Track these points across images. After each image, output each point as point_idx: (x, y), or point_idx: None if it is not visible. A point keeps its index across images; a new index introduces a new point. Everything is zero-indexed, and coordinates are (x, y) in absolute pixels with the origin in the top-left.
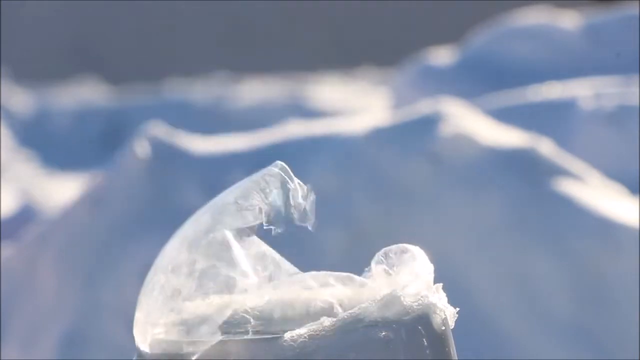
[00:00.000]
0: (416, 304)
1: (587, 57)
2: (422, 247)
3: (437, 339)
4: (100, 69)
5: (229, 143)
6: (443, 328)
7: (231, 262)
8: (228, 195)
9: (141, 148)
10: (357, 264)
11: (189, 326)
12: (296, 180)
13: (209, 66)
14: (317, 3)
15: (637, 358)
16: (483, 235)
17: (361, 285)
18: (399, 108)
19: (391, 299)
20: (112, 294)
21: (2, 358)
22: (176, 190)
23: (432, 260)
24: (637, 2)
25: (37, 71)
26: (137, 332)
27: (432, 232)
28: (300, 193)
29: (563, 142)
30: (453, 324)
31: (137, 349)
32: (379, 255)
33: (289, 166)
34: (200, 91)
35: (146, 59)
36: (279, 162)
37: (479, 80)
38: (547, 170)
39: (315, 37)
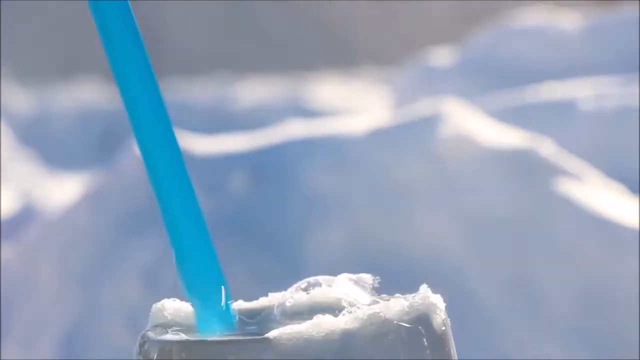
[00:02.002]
0: (416, 304)
1: (587, 57)
2: (421, 247)
3: (437, 339)
4: (100, 69)
5: (229, 143)
6: (443, 328)
7: None
8: None
9: None
10: (356, 264)
11: (185, 326)
12: None
13: (209, 66)
14: (317, 3)
15: (637, 358)
16: (483, 235)
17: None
18: (399, 108)
19: (391, 300)
20: (112, 294)
21: (2, 358)
22: None
23: (432, 260)
24: (637, 2)
25: (37, 71)
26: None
27: (432, 232)
28: None
29: (563, 142)
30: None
31: (136, 349)
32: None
33: (289, 166)
34: (200, 91)
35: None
36: None
37: (479, 80)
38: (547, 170)
39: (316, 37)
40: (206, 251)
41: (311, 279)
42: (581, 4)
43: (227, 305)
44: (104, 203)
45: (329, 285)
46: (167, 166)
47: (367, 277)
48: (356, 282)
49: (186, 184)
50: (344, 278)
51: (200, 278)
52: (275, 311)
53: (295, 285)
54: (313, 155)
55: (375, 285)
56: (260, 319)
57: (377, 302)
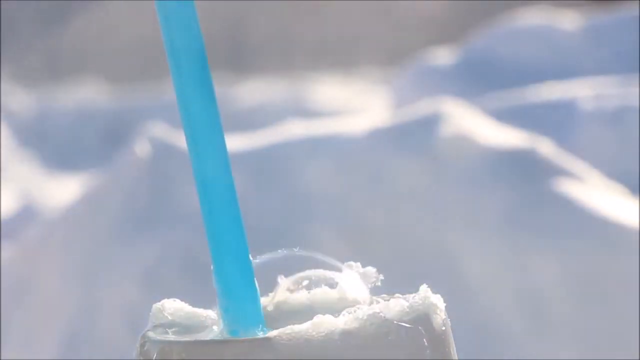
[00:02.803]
0: (416, 304)
1: (587, 57)
2: (422, 246)
3: (437, 339)
4: (101, 69)
5: (229, 143)
6: (443, 328)
7: None
8: None
9: (141, 148)
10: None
11: (185, 326)
12: None
13: (209, 66)
14: (317, 3)
15: (637, 358)
16: (483, 235)
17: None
18: (399, 108)
19: (391, 300)
20: (112, 294)
21: (2, 358)
22: (176, 191)
23: (432, 260)
24: (637, 2)
25: (37, 71)
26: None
27: (432, 232)
28: None
29: (563, 142)
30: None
31: (136, 349)
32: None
33: (289, 166)
34: None
35: (146, 59)
36: None
37: (479, 80)
38: (547, 170)
39: (315, 37)
40: (245, 264)
41: (311, 272)
42: (581, 4)
43: (260, 315)
44: (104, 203)
45: (331, 280)
46: (215, 177)
47: (371, 272)
48: (360, 275)
49: (233, 197)
50: (347, 268)
51: (237, 287)
52: (271, 306)
53: (298, 275)
54: (313, 155)
55: (377, 283)
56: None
57: (377, 302)
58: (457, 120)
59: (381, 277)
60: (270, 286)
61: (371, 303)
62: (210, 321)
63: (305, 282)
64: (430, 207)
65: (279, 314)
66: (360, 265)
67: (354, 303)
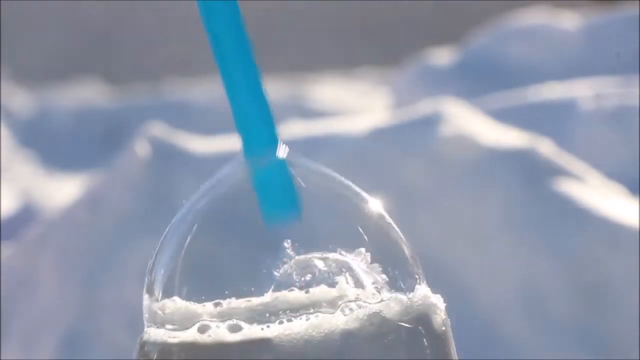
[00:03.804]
0: (416, 304)
1: (587, 57)
2: (422, 247)
3: (437, 339)
4: (100, 69)
5: (229, 143)
6: (443, 328)
7: None
8: None
9: (141, 148)
10: None
11: (185, 326)
12: None
13: (209, 66)
14: (317, 3)
15: (637, 358)
16: (483, 235)
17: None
18: (399, 108)
19: (391, 299)
20: (112, 294)
21: (2, 358)
22: (176, 191)
23: (432, 260)
24: (637, 2)
25: (37, 71)
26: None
27: (432, 232)
28: None
29: (563, 142)
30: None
31: (136, 349)
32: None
33: (289, 166)
34: (200, 91)
35: (146, 59)
36: None
37: (479, 80)
38: (547, 170)
39: (315, 37)
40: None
41: (318, 256)
42: (581, 4)
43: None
44: (104, 203)
45: (331, 278)
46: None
47: (376, 267)
48: (365, 269)
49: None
50: (356, 255)
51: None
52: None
53: (302, 257)
54: (314, 156)
55: (380, 279)
56: None
57: (377, 302)
58: (457, 120)
59: (384, 276)
60: None
61: (372, 303)
62: (209, 319)
63: (308, 276)
64: (430, 206)
65: (278, 312)
66: (369, 256)
67: (355, 302)
